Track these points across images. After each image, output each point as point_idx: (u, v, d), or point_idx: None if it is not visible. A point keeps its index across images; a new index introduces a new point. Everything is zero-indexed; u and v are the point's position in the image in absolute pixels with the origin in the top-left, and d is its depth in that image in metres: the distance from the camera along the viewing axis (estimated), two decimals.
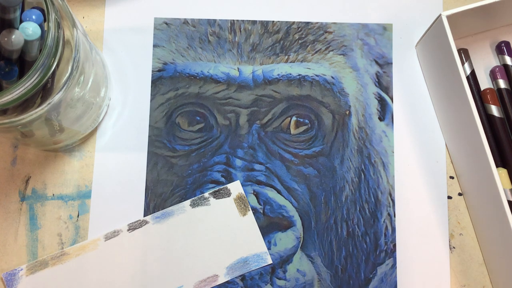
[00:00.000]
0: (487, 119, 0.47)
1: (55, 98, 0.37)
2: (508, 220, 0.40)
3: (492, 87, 0.49)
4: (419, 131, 0.49)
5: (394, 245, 0.47)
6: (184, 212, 0.47)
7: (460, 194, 0.48)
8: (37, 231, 0.46)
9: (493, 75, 0.48)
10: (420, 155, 0.48)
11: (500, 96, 0.48)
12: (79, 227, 0.47)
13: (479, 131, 0.41)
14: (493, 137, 0.47)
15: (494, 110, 0.47)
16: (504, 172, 0.46)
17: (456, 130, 0.46)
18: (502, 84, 0.48)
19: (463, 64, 0.48)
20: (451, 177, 0.48)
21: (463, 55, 0.48)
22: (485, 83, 0.49)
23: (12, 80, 0.34)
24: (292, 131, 0.48)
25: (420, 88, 0.49)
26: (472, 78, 0.48)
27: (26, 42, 0.32)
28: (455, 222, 0.47)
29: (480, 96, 0.48)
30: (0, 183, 0.47)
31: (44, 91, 0.36)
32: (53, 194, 0.47)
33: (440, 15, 0.43)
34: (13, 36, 0.31)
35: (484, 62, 0.49)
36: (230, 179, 0.47)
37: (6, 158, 0.47)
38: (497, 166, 0.46)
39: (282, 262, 0.47)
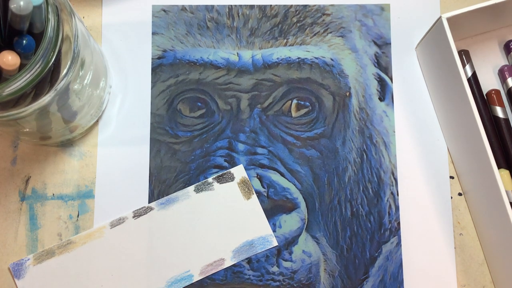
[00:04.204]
0: (493, 121, 0.47)
1: (59, 86, 0.37)
2: (511, 221, 0.40)
3: (497, 87, 0.48)
4: (419, 110, 0.49)
5: (398, 223, 0.47)
6: (188, 198, 0.47)
7: (460, 194, 0.48)
8: (37, 231, 0.46)
9: (501, 74, 0.48)
10: (421, 133, 0.48)
11: (509, 95, 0.48)
12: (79, 227, 0.47)
13: (480, 133, 0.41)
14: (499, 138, 0.47)
15: (499, 111, 0.47)
16: (506, 173, 0.46)
17: (457, 132, 0.46)
18: (511, 83, 0.48)
19: (464, 66, 0.48)
20: (451, 177, 0.48)
21: (464, 57, 0.48)
22: (487, 83, 0.49)
23: (31, 52, 0.35)
24: (293, 114, 0.48)
25: (419, 79, 0.50)
26: (474, 80, 0.48)
27: (33, 9, 0.33)
28: (455, 222, 0.47)
29: (482, 98, 0.47)
30: (0, 183, 0.47)
31: (52, 76, 0.36)
32: (53, 194, 0.47)
33: (440, 17, 0.43)
34: (21, 2, 0.32)
35: (485, 63, 0.49)
36: (233, 164, 0.48)
37: (6, 158, 0.47)
38: (501, 167, 0.46)
39: (287, 244, 0.47)
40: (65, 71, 0.37)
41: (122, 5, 0.50)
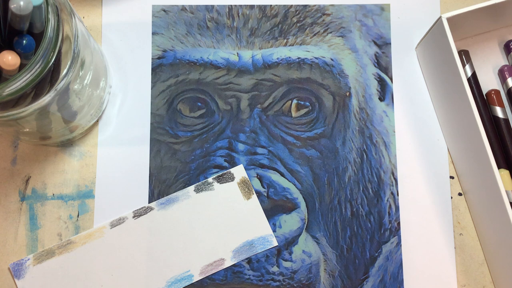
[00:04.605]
0: (493, 121, 0.47)
1: (59, 86, 0.37)
2: (511, 221, 0.40)
3: (497, 87, 0.48)
4: (419, 110, 0.49)
5: (398, 223, 0.47)
6: (188, 198, 0.47)
7: (460, 194, 0.48)
8: (37, 231, 0.46)
9: (501, 74, 0.48)
10: (421, 133, 0.48)
11: (509, 95, 0.48)
12: (79, 227, 0.47)
13: (480, 133, 0.41)
14: (499, 138, 0.47)
15: (499, 112, 0.47)
16: (506, 173, 0.46)
17: (457, 132, 0.46)
18: (511, 83, 0.48)
19: (464, 66, 0.47)
20: (451, 177, 0.48)
21: (464, 57, 0.48)
22: (487, 83, 0.49)
23: (31, 52, 0.35)
24: (293, 114, 0.48)
25: (419, 79, 0.50)
26: (473, 80, 0.47)
27: (33, 9, 0.33)
28: (455, 222, 0.47)
29: (482, 98, 0.47)
30: (0, 183, 0.47)
31: (52, 76, 0.36)
32: (53, 194, 0.47)
33: (440, 17, 0.43)
34: (21, 2, 0.32)
35: (485, 63, 0.49)
36: (233, 164, 0.48)
37: (6, 158, 0.47)
38: (501, 167, 0.46)
39: (287, 244, 0.47)
40: (65, 71, 0.37)
41: (122, 5, 0.50)
